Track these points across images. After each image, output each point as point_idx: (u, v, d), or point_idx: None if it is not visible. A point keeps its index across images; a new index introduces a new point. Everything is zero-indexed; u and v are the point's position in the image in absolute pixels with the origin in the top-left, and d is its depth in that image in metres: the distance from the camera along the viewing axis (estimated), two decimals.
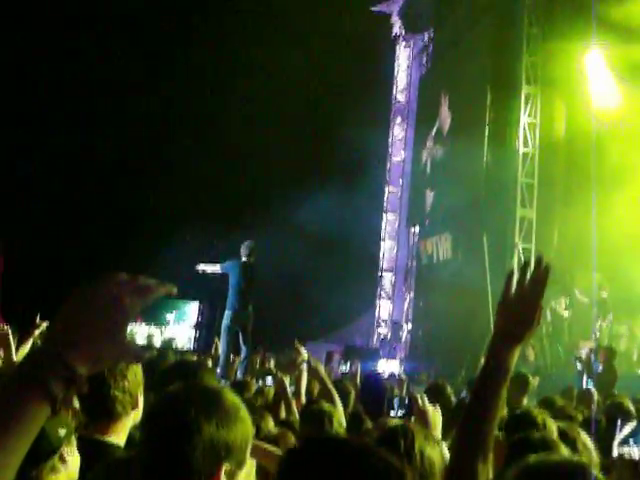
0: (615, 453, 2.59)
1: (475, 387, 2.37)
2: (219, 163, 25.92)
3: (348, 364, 17.88)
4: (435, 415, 3.49)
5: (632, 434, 2.62)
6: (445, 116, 25.14)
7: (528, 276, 2.39)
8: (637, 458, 2.55)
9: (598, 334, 16.23)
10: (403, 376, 13.73)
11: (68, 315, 1.44)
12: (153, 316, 20.52)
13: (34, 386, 1.36)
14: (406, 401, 3.90)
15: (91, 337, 1.42)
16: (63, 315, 1.44)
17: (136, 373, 3.16)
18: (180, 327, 21.72)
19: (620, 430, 2.63)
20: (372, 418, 4.75)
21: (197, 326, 21.67)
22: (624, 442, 2.62)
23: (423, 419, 3.43)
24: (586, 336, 16.69)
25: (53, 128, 25.28)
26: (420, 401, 3.50)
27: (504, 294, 2.38)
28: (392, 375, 17.80)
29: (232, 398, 2.03)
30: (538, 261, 2.38)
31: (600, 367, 13.42)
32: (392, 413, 4.30)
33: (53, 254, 23.25)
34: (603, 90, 17.94)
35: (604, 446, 4.05)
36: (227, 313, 12.04)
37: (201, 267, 12.26)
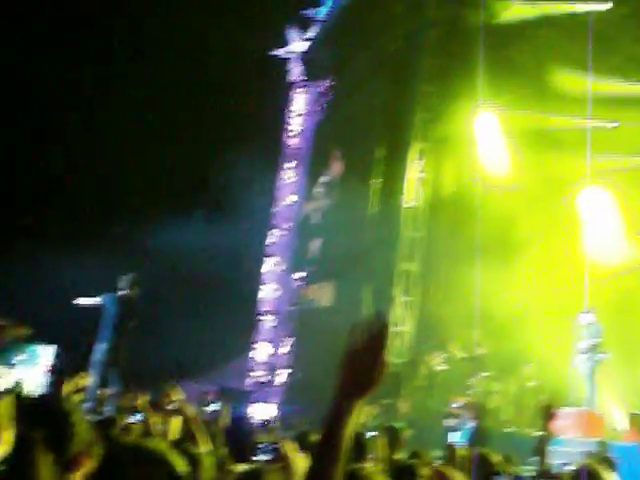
0: None
1: (318, 443, 2.29)
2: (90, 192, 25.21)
3: (217, 405, 17.61)
4: (300, 461, 3.41)
5: None
6: (336, 166, 25.34)
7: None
8: None
9: (472, 390, 16.44)
10: (273, 423, 13.64)
11: None
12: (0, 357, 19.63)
13: None
14: (272, 447, 3.83)
15: None
16: None
17: (3, 407, 2.91)
18: (31, 370, 20.77)
19: None
20: (237, 462, 4.59)
21: (51, 371, 20.78)
22: None
23: (287, 465, 3.37)
24: (460, 392, 16.88)
25: None
26: (284, 448, 3.44)
27: (349, 348, 2.32)
28: (263, 420, 17.68)
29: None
30: (379, 316, 2.34)
31: (470, 423, 13.58)
32: (257, 458, 4.18)
33: None
34: (493, 152, 18.41)
35: None
36: (100, 347, 11.76)
37: (81, 301, 11.98)
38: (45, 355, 22.00)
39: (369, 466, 4.44)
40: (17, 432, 2.85)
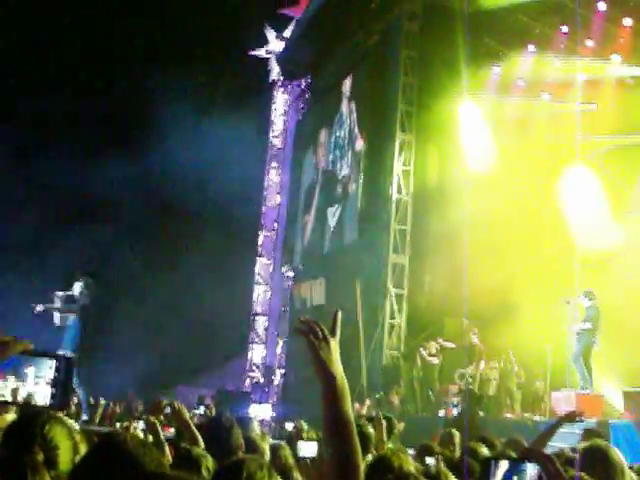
0: None
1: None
2: None
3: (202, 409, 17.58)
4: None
5: (510, 473, 2.58)
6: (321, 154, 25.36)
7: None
8: None
9: (470, 379, 16.45)
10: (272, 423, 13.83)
11: None
12: (13, 371, 19.63)
13: None
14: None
15: None
16: None
17: None
18: (38, 384, 20.75)
19: (494, 471, 2.58)
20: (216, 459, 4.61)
21: (53, 383, 20.60)
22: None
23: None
24: (453, 380, 16.89)
25: None
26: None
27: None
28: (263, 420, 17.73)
29: None
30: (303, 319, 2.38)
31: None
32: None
33: None
34: (475, 141, 18.41)
35: None
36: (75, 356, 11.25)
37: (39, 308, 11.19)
38: (49, 368, 21.98)
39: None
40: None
